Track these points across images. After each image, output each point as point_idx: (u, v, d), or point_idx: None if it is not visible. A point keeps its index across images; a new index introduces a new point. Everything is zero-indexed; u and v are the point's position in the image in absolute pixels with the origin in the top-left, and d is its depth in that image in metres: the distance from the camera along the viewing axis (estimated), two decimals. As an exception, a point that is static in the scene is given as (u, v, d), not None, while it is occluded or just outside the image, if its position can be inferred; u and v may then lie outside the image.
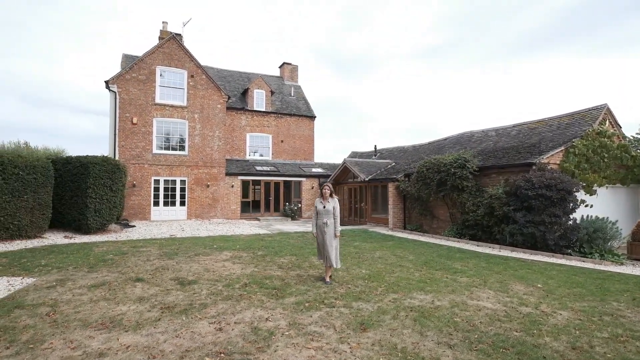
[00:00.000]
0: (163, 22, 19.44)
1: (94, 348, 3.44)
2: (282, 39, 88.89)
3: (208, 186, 18.25)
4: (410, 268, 7.30)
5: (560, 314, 4.64)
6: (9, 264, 6.97)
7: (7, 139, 38.53)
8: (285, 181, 20.70)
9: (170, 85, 17.71)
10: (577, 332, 4.05)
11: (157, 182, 17.26)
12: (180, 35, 19.84)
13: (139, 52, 19.12)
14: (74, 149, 51.74)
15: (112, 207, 11.99)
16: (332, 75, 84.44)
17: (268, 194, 20.39)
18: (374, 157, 22.03)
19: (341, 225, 17.63)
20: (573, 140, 10.90)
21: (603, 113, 11.80)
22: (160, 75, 17.49)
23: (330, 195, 6.22)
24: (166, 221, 16.64)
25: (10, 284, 5.57)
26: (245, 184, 19.87)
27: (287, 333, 3.85)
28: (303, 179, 20.96)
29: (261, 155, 22.47)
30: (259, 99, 22.40)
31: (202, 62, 23.18)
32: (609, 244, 9.45)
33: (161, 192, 17.32)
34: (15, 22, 67.24)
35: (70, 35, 76.12)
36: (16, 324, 3.99)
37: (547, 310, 4.77)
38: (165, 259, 7.69)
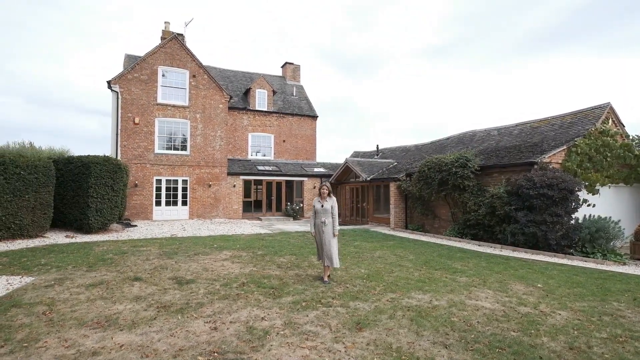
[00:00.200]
0: (165, 22, 19.48)
1: (87, 347, 3.43)
2: (284, 39, 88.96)
3: (210, 186, 18.28)
4: (410, 268, 7.26)
5: (559, 314, 4.59)
6: (9, 263, 7.00)
7: (13, 139, 38.84)
8: (287, 181, 20.70)
9: (172, 85, 17.75)
10: (576, 332, 4.00)
11: (159, 181, 17.31)
12: (182, 35, 19.90)
13: (142, 52, 19.19)
14: (80, 150, 52.15)
15: (114, 207, 12.03)
16: (335, 75, 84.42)
17: (270, 193, 20.40)
18: (376, 157, 21.97)
19: (343, 225, 17.76)
20: (575, 139, 10.81)
21: (606, 112, 11.69)
22: (163, 76, 17.53)
23: (329, 194, 6.20)
24: (168, 221, 16.69)
25: (9, 283, 5.59)
26: (247, 184, 19.89)
27: (282, 332, 3.84)
28: (305, 179, 20.94)
29: (263, 155, 22.48)
30: (261, 99, 22.41)
31: (205, 62, 23.24)
32: (612, 243, 9.36)
33: (163, 192, 17.37)
34: (20, 23, 67.76)
35: (76, 36, 76.59)
36: (12, 322, 4.00)
37: (546, 310, 4.72)
38: (165, 259, 7.70)
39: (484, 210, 10.83)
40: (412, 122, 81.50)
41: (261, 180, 20.23)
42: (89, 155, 11.74)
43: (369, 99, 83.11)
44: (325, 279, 6.00)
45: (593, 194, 10.77)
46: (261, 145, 22.50)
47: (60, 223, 11.89)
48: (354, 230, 14.51)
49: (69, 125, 61.94)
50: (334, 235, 6.07)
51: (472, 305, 4.86)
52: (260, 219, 19.03)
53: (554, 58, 75.92)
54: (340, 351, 3.43)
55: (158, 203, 17.26)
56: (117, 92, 16.49)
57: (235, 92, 22.57)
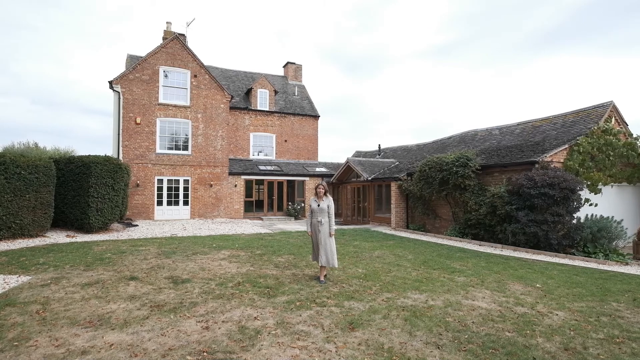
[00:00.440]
0: (167, 23, 19.52)
1: (77, 346, 3.43)
2: (286, 39, 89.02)
3: (211, 186, 18.31)
4: (408, 267, 7.21)
5: (557, 315, 4.52)
6: (8, 262, 7.03)
7: (19, 140, 39.16)
8: (288, 181, 20.69)
9: (173, 85, 17.79)
10: (572, 332, 3.94)
11: (160, 181, 17.36)
12: (183, 35, 19.96)
13: (144, 52, 19.26)
14: (85, 150, 52.49)
15: (114, 207, 12.08)
16: (338, 75, 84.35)
17: (271, 193, 20.39)
18: (377, 157, 21.92)
19: (344, 224, 17.71)
20: (577, 138, 10.70)
21: (609, 110, 11.56)
22: (166, 76, 17.58)
23: (325, 194, 6.18)
24: (169, 220, 16.74)
25: (5, 282, 5.61)
26: (248, 184, 19.89)
27: (273, 332, 3.81)
28: (306, 179, 20.92)
29: (265, 155, 22.48)
30: (262, 99, 22.42)
31: (207, 62, 23.32)
32: (614, 243, 9.26)
33: (164, 192, 17.41)
34: (22, 24, 68.33)
35: (80, 37, 77.09)
36: (5, 321, 4.00)
37: (543, 311, 4.65)
38: (163, 258, 7.70)
39: (485, 210, 10.75)
40: (415, 122, 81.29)
41: (263, 180, 20.23)
42: (89, 155, 11.79)
43: (372, 99, 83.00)
44: (322, 278, 5.96)
45: (595, 193, 10.65)
46: (263, 145, 22.50)
47: (61, 223, 11.96)
48: (355, 230, 14.46)
49: (74, 125, 62.45)
50: (331, 234, 6.04)
51: (468, 305, 4.81)
52: (262, 219, 19.03)
53: (557, 57, 75.43)
54: (330, 351, 3.39)
55: (159, 203, 17.30)
56: (118, 92, 16.56)
57: (236, 91, 22.59)
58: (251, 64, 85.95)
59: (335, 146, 68.64)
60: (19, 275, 6.03)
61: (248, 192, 19.96)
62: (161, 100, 17.40)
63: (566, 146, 10.58)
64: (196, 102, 18.15)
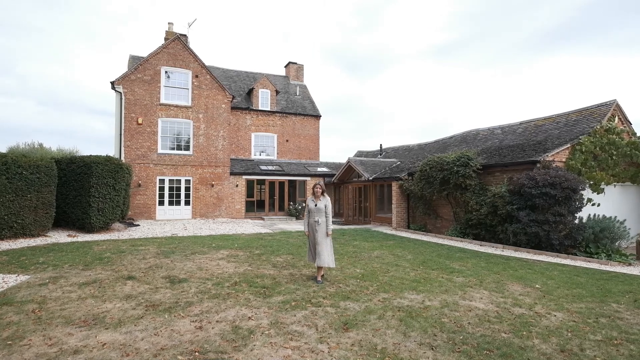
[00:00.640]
0: (169, 23, 19.57)
1: (70, 345, 3.43)
2: (288, 39, 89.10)
3: (212, 186, 18.34)
4: (407, 268, 7.17)
5: (555, 316, 4.47)
6: (8, 261, 7.07)
7: (24, 140, 39.46)
8: (290, 180, 20.68)
9: (175, 86, 17.85)
10: (569, 334, 3.89)
11: (162, 181, 17.42)
12: (185, 35, 20.01)
13: (146, 53, 19.32)
14: (90, 150, 52.81)
15: (115, 206, 12.13)
16: (340, 75, 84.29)
17: (273, 193, 20.40)
18: (379, 156, 21.86)
19: (345, 224, 17.69)
20: (580, 137, 10.60)
21: (612, 109, 11.44)
22: (167, 76, 17.63)
23: (322, 193, 6.16)
24: (171, 220, 16.79)
25: (4, 281, 5.64)
26: (250, 184, 19.91)
27: (267, 332, 3.79)
28: (308, 179, 20.90)
29: (267, 155, 22.50)
30: (264, 99, 22.44)
31: (208, 63, 23.37)
32: (617, 243, 9.15)
33: (166, 192, 17.47)
34: (24, 25, 68.91)
35: (86, 38, 77.63)
36: (1, 320, 4.02)
37: (541, 312, 4.60)
38: (161, 258, 7.72)
39: (486, 210, 10.67)
40: (417, 122, 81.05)
41: (264, 180, 20.24)
42: (90, 155, 11.85)
43: (374, 99, 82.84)
44: (319, 278, 5.94)
45: (598, 193, 10.54)
46: (264, 145, 22.52)
47: (63, 222, 12.03)
48: (355, 230, 14.42)
49: (80, 126, 62.76)
50: (328, 234, 6.01)
51: (465, 306, 4.76)
52: (263, 219, 19.04)
53: (561, 56, 74.91)
54: (323, 352, 3.37)
55: (161, 203, 17.36)
56: (120, 92, 16.63)
57: (238, 92, 22.63)
58: (252, 64, 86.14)
59: (337, 146, 68.59)
60: (18, 275, 6.06)
61: (249, 192, 19.98)
62: (163, 100, 17.46)
63: (568, 145, 10.49)
64: (197, 102, 18.19)
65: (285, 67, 26.80)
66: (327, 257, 5.94)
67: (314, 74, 72.79)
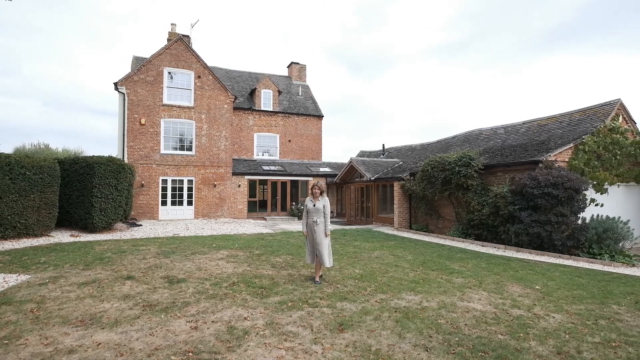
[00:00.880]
0: (171, 24, 19.68)
1: (66, 345, 3.45)
2: (291, 39, 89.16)
3: (215, 186, 18.40)
4: (406, 268, 7.14)
5: (553, 317, 4.43)
6: (10, 261, 7.14)
7: (30, 141, 39.85)
8: (292, 181, 20.69)
9: (177, 86, 17.92)
10: (567, 336, 3.85)
11: (164, 182, 17.50)
12: (188, 36, 20.09)
13: (149, 54, 19.42)
14: (94, 150, 53.23)
15: (118, 207, 12.20)
16: (342, 75, 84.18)
17: (275, 193, 20.41)
18: (381, 156, 21.81)
19: (347, 224, 17.67)
20: (583, 137, 10.50)
21: (616, 108, 11.32)
22: (170, 77, 17.71)
23: (321, 194, 6.15)
24: (173, 220, 16.86)
25: (5, 281, 5.69)
26: (252, 184, 19.94)
27: (262, 333, 3.79)
28: (310, 179, 20.89)
29: (269, 155, 22.53)
30: (266, 99, 22.47)
31: (210, 63, 23.46)
32: (620, 244, 9.06)
33: (169, 192, 17.55)
34: (26, 26, 69.55)
35: (90, 39, 78.22)
36: (-1, 319, 4.05)
37: (540, 313, 4.56)
38: (161, 258, 7.75)
39: (488, 210, 10.60)
40: (420, 122, 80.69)
41: (266, 180, 20.26)
42: (93, 155, 11.94)
43: (376, 99, 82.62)
44: (317, 279, 5.93)
45: (601, 193, 10.44)
46: (267, 145, 22.55)
47: (66, 222, 12.12)
48: (357, 230, 14.40)
49: (85, 126, 63.17)
50: (326, 234, 6.00)
51: (463, 307, 4.73)
52: (265, 219, 19.07)
53: (561, 56, 74.28)
54: (317, 352, 3.36)
55: (164, 203, 17.44)
56: (123, 93, 16.73)
57: (240, 92, 22.68)
58: (255, 64, 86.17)
59: (339, 146, 68.44)
60: (19, 274, 6.11)
61: (252, 192, 20.00)
62: (165, 101, 17.54)
63: (571, 145, 10.39)
64: (200, 102, 18.26)
65: (288, 67, 26.82)
66: (325, 257, 5.93)
67: (316, 74, 72.72)
